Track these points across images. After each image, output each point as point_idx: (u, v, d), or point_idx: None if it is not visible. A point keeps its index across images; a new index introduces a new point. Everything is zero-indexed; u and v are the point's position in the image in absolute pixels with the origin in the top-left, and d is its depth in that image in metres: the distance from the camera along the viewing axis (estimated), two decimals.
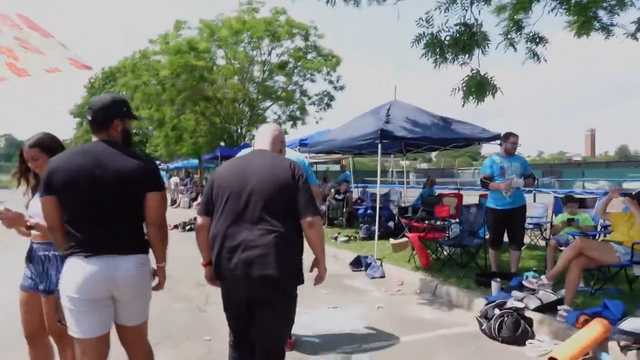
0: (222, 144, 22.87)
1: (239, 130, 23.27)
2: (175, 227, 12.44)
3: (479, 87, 5.28)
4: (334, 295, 5.67)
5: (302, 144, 11.16)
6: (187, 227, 12.35)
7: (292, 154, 3.52)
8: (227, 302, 2.52)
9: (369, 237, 8.97)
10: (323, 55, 22.31)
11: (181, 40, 18.98)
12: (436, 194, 10.82)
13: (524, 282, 4.81)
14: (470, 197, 10.81)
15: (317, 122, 23.73)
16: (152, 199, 2.28)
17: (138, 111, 28.28)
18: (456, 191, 12.96)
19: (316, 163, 19.91)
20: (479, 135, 8.37)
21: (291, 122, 23.79)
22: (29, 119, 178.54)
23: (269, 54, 22.53)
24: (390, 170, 14.95)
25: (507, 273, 5.70)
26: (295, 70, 22.54)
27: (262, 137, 2.67)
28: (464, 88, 5.41)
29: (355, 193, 14.59)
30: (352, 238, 9.32)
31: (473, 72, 5.39)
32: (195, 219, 12.10)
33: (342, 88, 22.21)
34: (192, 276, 5.90)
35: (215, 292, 2.66)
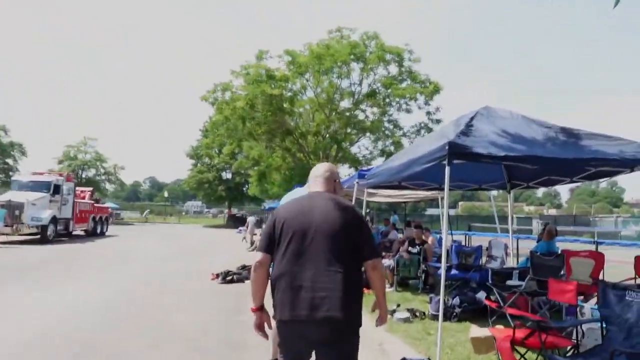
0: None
1: None
2: (217, 276, 10.24)
3: None
4: None
5: (361, 175, 8.37)
6: (229, 278, 10.07)
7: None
8: (287, 346, 2.36)
9: (445, 315, 5.69)
10: (419, 82, 19.41)
11: (259, 69, 17.72)
12: (558, 252, 7.16)
13: None
14: (615, 257, 6.82)
15: None
16: None
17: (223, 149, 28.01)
18: (592, 246, 8.85)
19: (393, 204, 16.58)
20: (636, 154, 4.83)
21: (384, 158, 21.00)
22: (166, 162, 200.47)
23: (360, 84, 20.28)
24: (494, 212, 11.21)
25: None
26: (387, 100, 19.88)
27: (315, 179, 2.62)
28: None
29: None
30: (417, 314, 6.12)
31: None
32: (242, 267, 9.29)
33: (438, 121, 18.97)
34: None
35: None
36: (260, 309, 2.41)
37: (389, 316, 5.99)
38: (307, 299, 2.21)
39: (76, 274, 10.25)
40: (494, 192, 9.94)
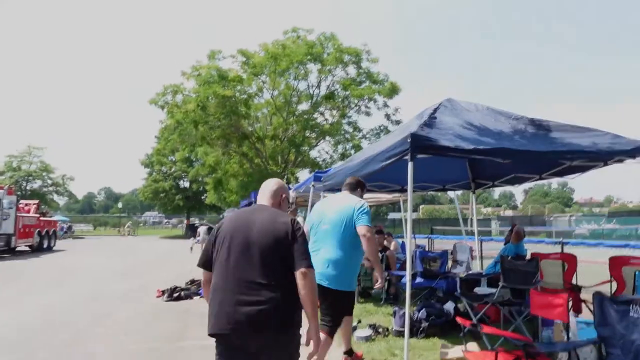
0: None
1: (284, 173, 20.31)
2: (163, 293, 9.26)
3: None
4: None
5: (317, 177, 7.70)
6: (176, 294, 9.13)
7: (350, 200, 3.84)
8: (223, 357, 2.38)
9: (411, 330, 5.05)
10: (378, 82, 19.03)
11: (210, 70, 16.78)
12: (527, 256, 6.74)
13: None
14: (582, 257, 6.43)
15: None
16: None
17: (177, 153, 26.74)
18: (557, 246, 8.55)
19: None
20: (611, 146, 4.39)
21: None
22: (122, 172, 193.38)
23: (318, 86, 19.70)
24: (458, 214, 10.79)
25: None
26: (346, 102, 19.37)
27: (262, 192, 2.70)
28: None
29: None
30: (380, 331, 5.48)
31: None
32: (191, 281, 8.60)
33: (398, 122, 18.63)
34: None
35: None
36: None
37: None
38: (241, 312, 2.23)
39: (3, 293, 9.05)
40: (458, 193, 9.51)
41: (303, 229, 2.46)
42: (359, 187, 4.11)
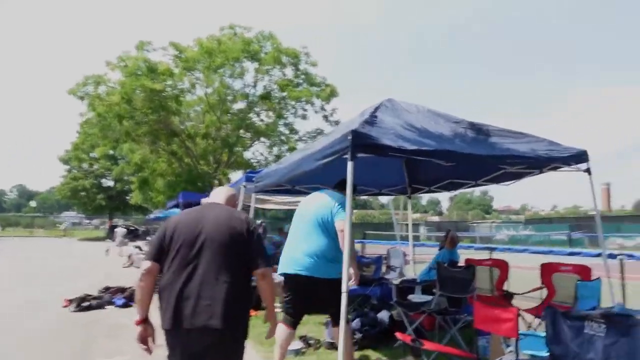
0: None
1: (215, 173, 19.46)
2: (70, 302, 8.24)
3: None
4: None
5: (249, 178, 7.20)
6: (86, 304, 8.16)
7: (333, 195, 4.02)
8: (173, 356, 2.33)
9: None
10: (316, 85, 18.81)
11: (138, 61, 15.63)
12: (461, 263, 6.71)
13: None
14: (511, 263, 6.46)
15: None
16: None
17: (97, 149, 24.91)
18: (486, 252, 8.70)
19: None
20: (549, 153, 4.36)
21: None
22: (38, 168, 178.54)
23: (254, 85, 19.11)
24: (393, 219, 10.75)
25: None
26: (283, 103, 18.96)
27: (216, 194, 2.69)
28: None
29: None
30: (311, 343, 5.11)
31: None
32: (105, 289, 8.28)
33: (336, 122, 18.52)
34: None
35: None
36: (144, 321, 2.32)
37: None
38: (191, 308, 2.19)
39: None
40: (391, 197, 9.41)
41: (258, 228, 2.47)
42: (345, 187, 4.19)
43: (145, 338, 2.33)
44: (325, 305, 3.82)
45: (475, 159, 4.12)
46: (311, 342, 5.05)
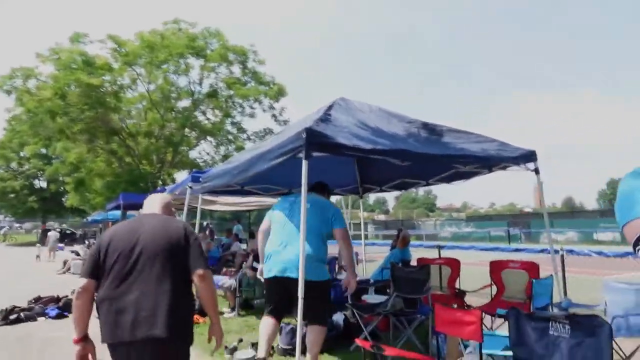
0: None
1: (159, 173, 18.64)
2: None
3: None
4: None
5: (195, 178, 6.85)
6: (14, 317, 7.43)
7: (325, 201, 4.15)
8: None
9: (293, 349, 4.50)
10: (264, 83, 18.49)
11: (73, 54, 14.62)
12: (410, 259, 6.75)
13: None
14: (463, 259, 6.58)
15: None
16: None
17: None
18: (436, 251, 8.85)
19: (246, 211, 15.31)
20: (500, 152, 4.42)
21: None
22: None
23: (200, 83, 18.48)
24: (348, 218, 10.68)
25: None
26: (230, 101, 18.48)
27: (150, 203, 2.65)
28: None
29: None
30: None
31: None
32: (36, 299, 7.94)
33: (285, 122, 18.31)
34: None
35: None
36: (83, 339, 2.26)
37: (228, 356, 4.70)
38: (130, 320, 2.15)
39: None
40: (342, 197, 9.35)
41: (196, 233, 2.43)
42: (326, 190, 4.34)
43: (85, 356, 2.27)
44: (310, 306, 3.73)
45: (430, 158, 4.10)
46: None
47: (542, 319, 2.18)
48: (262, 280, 4.15)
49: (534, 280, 3.09)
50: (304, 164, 3.43)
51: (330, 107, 4.60)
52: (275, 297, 3.91)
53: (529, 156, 4.56)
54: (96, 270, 2.26)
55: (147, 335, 2.14)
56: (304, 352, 4.65)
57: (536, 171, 4.64)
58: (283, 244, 3.83)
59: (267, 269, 3.87)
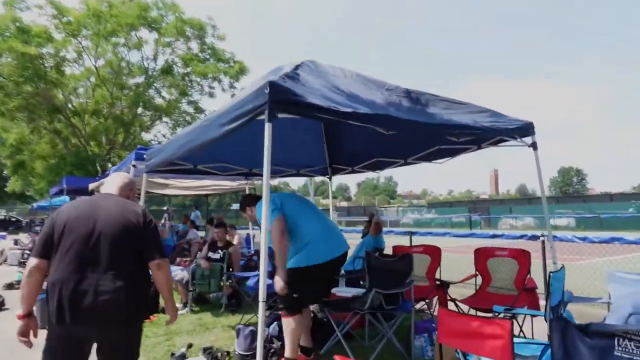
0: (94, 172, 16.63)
1: (109, 156, 17.26)
2: None
3: None
4: None
5: (139, 155, 5.93)
6: None
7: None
8: (63, 349, 2.25)
9: (254, 356, 3.75)
10: (224, 61, 17.36)
11: (6, 20, 13.01)
12: (384, 247, 6.14)
13: None
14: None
15: None
16: None
17: None
18: (407, 238, 8.28)
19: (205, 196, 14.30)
20: (494, 124, 3.80)
21: None
22: None
23: (154, 59, 17.15)
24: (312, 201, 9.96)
25: None
26: (187, 79, 17.25)
27: (109, 183, 2.61)
28: None
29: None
30: (219, 357, 4.14)
31: None
32: None
33: None
34: None
35: None
36: (27, 316, 2.27)
37: None
38: (89, 303, 2.15)
39: None
40: (313, 180, 8.60)
41: (153, 219, 2.44)
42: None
43: (27, 332, 2.28)
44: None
45: (421, 126, 3.42)
46: (218, 355, 4.08)
47: (604, 334, 1.54)
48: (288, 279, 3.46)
49: (551, 274, 2.47)
50: (267, 127, 2.66)
51: (297, 67, 3.82)
52: (321, 283, 3.80)
53: (527, 129, 3.96)
54: (49, 250, 2.25)
55: (109, 319, 2.18)
56: (265, 357, 3.93)
57: (534, 146, 4.05)
58: (326, 226, 3.84)
59: (323, 254, 3.61)
